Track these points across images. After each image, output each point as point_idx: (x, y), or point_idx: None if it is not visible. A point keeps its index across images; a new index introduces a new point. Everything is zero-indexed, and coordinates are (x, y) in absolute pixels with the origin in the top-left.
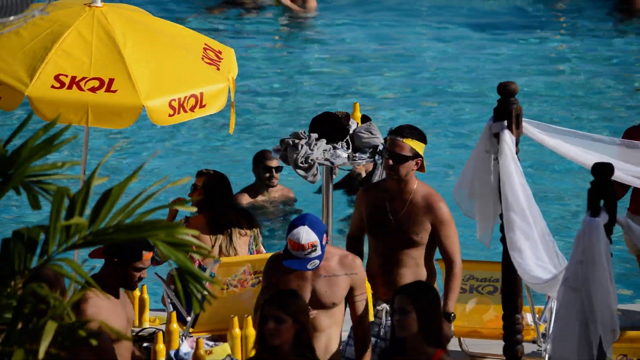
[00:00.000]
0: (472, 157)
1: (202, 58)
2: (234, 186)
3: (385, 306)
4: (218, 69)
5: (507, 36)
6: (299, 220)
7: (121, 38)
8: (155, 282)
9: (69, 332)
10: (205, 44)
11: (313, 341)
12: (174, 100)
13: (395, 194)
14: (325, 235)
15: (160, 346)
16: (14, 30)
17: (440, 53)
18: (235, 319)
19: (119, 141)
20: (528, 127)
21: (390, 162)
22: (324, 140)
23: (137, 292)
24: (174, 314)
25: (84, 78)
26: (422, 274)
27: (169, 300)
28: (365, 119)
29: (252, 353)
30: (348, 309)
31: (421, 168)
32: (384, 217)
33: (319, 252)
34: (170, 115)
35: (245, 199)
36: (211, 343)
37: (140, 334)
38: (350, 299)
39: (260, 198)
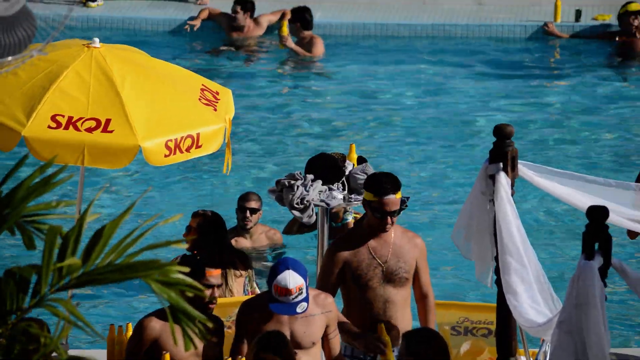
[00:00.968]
0: (469, 199)
1: (200, 99)
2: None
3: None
4: (215, 110)
5: (504, 79)
6: (282, 265)
7: (119, 78)
8: None
9: None
10: (202, 85)
11: None
12: (170, 140)
13: (376, 239)
14: (306, 275)
15: None
16: (12, 71)
17: (438, 97)
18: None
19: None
20: (523, 169)
21: (389, 220)
22: (320, 182)
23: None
24: (168, 355)
25: (80, 118)
26: (409, 313)
27: None
28: (361, 160)
29: None
30: None
31: None
32: (371, 262)
33: (304, 294)
34: (166, 156)
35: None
36: None
37: None
38: (325, 337)
39: (241, 240)
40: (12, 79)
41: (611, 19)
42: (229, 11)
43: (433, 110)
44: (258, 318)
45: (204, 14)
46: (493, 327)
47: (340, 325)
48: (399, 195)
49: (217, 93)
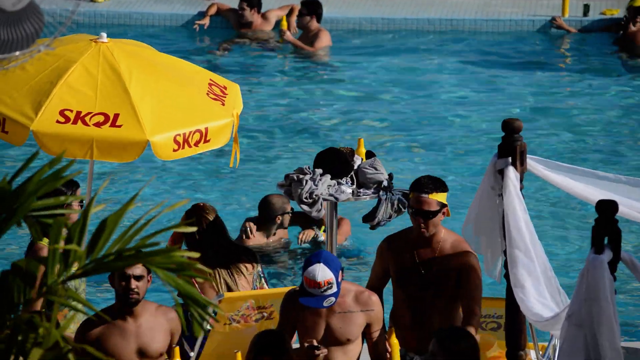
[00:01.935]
0: (478, 193)
1: (207, 93)
2: (233, 219)
3: (417, 358)
4: (223, 104)
5: (512, 74)
6: (315, 257)
7: (127, 73)
8: None
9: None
10: (210, 80)
11: None
12: (179, 135)
13: (422, 244)
14: (341, 271)
15: None
16: (20, 65)
17: (448, 89)
18: (239, 354)
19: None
20: (532, 163)
21: (421, 220)
22: (329, 176)
23: None
24: (177, 349)
25: (89, 113)
26: (457, 323)
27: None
28: (369, 154)
29: None
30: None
31: (446, 213)
32: (413, 268)
33: (334, 289)
34: (174, 150)
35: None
36: None
37: None
38: (367, 336)
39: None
40: (20, 74)
41: (619, 13)
42: (237, 6)
43: (440, 104)
44: (298, 308)
45: (212, 10)
46: (502, 321)
47: None
48: (436, 197)
49: (225, 88)
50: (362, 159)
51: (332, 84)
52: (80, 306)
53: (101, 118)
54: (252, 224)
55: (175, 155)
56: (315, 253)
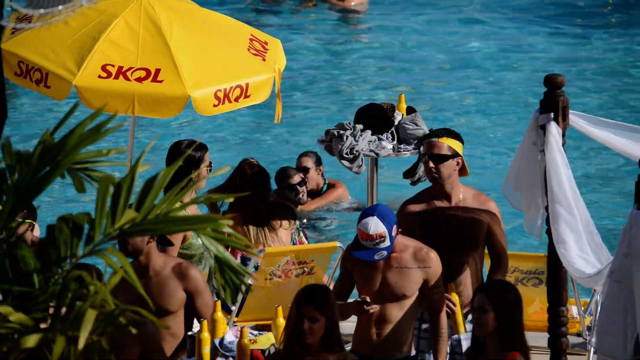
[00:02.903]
0: (519, 149)
1: (248, 49)
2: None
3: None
4: (264, 60)
5: (553, 30)
6: (370, 211)
7: (168, 28)
8: None
9: (109, 319)
10: (251, 35)
11: (376, 331)
12: (220, 90)
13: (443, 200)
14: (395, 226)
15: (205, 335)
16: (62, 20)
17: (487, 47)
18: (280, 309)
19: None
20: (575, 119)
21: (431, 164)
22: (369, 132)
23: None
24: (219, 302)
25: (130, 68)
26: (478, 275)
27: (214, 290)
28: (410, 110)
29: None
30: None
31: (463, 170)
32: (438, 224)
33: (387, 243)
34: (215, 106)
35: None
36: (255, 332)
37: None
38: (425, 292)
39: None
40: (63, 29)
41: None
42: None
43: (481, 59)
44: (355, 261)
45: None
46: (543, 277)
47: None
48: (446, 142)
49: (266, 43)
50: (402, 115)
51: (373, 41)
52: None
53: (143, 73)
54: (304, 188)
55: (216, 111)
56: (371, 207)
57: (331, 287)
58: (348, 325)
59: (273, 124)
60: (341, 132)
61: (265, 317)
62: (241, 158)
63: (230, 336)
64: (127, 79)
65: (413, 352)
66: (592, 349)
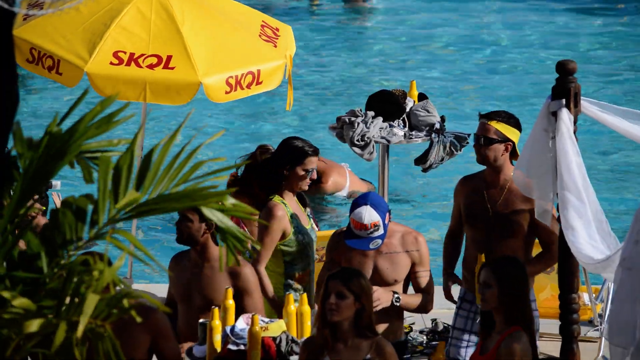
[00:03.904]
0: (531, 135)
1: (260, 35)
2: None
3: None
4: (275, 46)
5: (569, 14)
6: (362, 199)
7: (179, 15)
8: None
9: (113, 303)
10: (262, 21)
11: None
12: (231, 77)
13: (491, 182)
14: (388, 214)
15: (216, 322)
16: (74, 7)
17: (501, 31)
18: (291, 296)
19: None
20: (587, 105)
21: (474, 144)
22: (381, 118)
23: None
24: (230, 290)
25: (142, 55)
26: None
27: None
28: (422, 97)
29: (308, 332)
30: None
31: (513, 155)
32: (482, 206)
33: (381, 231)
34: (227, 92)
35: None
36: (267, 320)
37: None
38: (412, 276)
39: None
40: (74, 15)
41: None
42: None
43: (494, 44)
44: (344, 249)
45: None
46: (555, 264)
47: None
48: (495, 125)
49: (277, 29)
50: (414, 102)
51: (384, 26)
52: (132, 248)
53: (154, 60)
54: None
55: (228, 98)
56: (362, 195)
57: None
58: None
59: (284, 111)
60: (352, 118)
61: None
62: (254, 145)
63: (241, 323)
64: (138, 65)
65: (403, 338)
66: (604, 337)
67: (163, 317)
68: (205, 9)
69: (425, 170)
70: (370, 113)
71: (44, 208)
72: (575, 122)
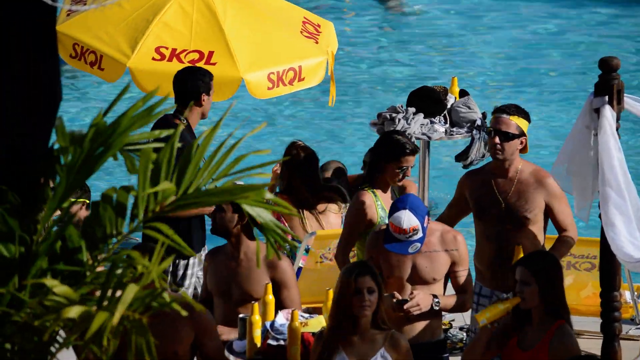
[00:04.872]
0: (572, 132)
1: (301, 32)
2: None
3: (504, 296)
4: (317, 43)
5: (609, 11)
6: (401, 203)
7: (221, 11)
8: None
9: (151, 296)
10: (304, 18)
11: (406, 317)
12: (273, 73)
13: (501, 174)
14: (427, 217)
15: (256, 317)
16: (117, 2)
17: (542, 28)
18: (330, 292)
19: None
20: (630, 102)
21: (497, 139)
22: (422, 115)
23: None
24: (269, 285)
25: (184, 50)
26: None
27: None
28: (463, 93)
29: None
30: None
31: (524, 148)
32: (493, 198)
33: (420, 234)
34: (269, 89)
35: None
36: (306, 315)
37: None
38: (451, 275)
39: None
40: (117, 11)
41: None
42: None
43: (537, 42)
44: (384, 248)
45: None
46: (596, 262)
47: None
48: (516, 120)
49: (319, 26)
50: (455, 98)
51: (425, 22)
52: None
53: (196, 55)
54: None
55: (270, 94)
56: (400, 198)
57: None
58: None
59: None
60: (393, 115)
61: (316, 300)
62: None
63: (281, 319)
64: (180, 61)
65: (442, 336)
66: None
67: (208, 315)
68: (247, 5)
69: (466, 166)
70: (411, 109)
71: (87, 202)
72: (617, 119)
